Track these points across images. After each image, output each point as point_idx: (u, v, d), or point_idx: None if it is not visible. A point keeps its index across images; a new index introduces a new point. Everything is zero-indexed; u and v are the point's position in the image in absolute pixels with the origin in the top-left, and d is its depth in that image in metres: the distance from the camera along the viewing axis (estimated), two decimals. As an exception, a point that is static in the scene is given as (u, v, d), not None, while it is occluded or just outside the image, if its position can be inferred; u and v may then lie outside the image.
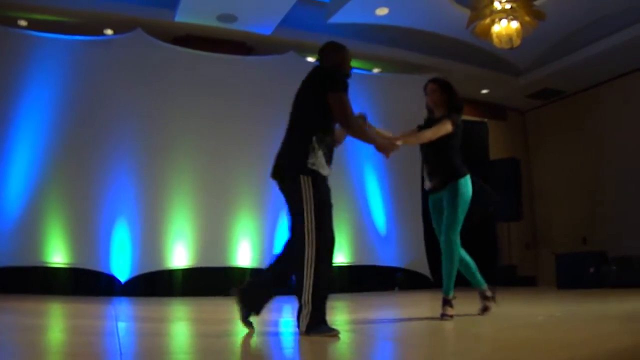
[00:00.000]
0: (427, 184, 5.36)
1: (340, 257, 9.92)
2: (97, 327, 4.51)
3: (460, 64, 11.09)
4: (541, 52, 10.86)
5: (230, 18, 9.04)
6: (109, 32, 9.47)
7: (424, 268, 10.58)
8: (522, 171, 12.29)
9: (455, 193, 5.11)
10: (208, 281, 8.99)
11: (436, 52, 10.72)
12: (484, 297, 5.44)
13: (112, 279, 8.57)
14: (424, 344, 3.97)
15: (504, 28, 7.87)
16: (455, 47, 10.48)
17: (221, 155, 9.29)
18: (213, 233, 9.17)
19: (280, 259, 4.09)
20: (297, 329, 3.85)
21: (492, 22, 7.92)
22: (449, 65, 10.99)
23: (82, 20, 9.16)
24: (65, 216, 8.58)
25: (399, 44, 10.35)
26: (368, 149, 10.22)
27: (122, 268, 8.58)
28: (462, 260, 5.35)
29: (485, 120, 12.81)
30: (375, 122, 10.20)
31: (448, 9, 9.35)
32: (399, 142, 4.69)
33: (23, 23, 9.15)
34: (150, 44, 9.10)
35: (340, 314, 6.40)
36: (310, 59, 10.32)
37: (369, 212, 10.44)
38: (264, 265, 3.97)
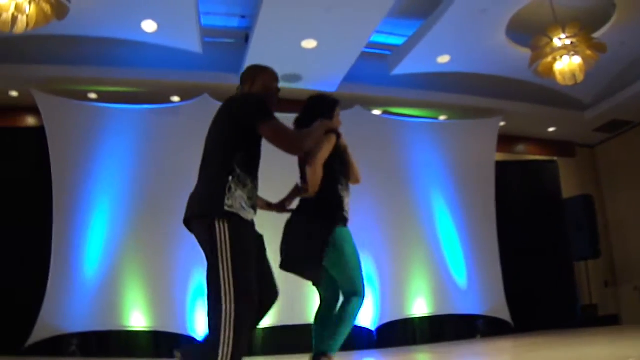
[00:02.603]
0: (346, 215, 4.26)
1: (420, 307, 9.82)
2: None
3: (525, 104, 10.99)
4: (605, 84, 10.72)
5: (295, 78, 9.16)
6: (176, 99, 9.70)
7: (504, 314, 10.36)
8: (596, 207, 12.05)
9: None
10: (290, 339, 8.93)
11: (500, 95, 10.65)
12: None
13: (191, 340, 8.60)
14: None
15: (567, 64, 7.81)
16: (519, 87, 10.43)
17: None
18: (294, 290, 9.04)
19: None
20: None
21: (554, 60, 7.88)
22: (514, 106, 10.91)
23: (149, 90, 9.42)
24: (142, 279, 8.76)
25: (463, 89, 10.35)
26: (440, 191, 10.30)
27: (201, 329, 8.61)
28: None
29: (555, 158, 12.62)
30: (447, 168, 10.27)
31: (508, 51, 9.34)
32: None
33: (93, 96, 9.47)
34: (217, 108, 9.20)
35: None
36: (377, 112, 10.38)
37: (445, 259, 10.28)
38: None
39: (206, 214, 3.27)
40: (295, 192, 4.05)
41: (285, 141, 3.43)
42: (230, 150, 3.39)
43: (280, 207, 4.09)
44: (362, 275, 4.19)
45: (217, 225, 3.20)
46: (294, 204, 4.20)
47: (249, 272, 3.21)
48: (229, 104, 3.61)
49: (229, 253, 3.16)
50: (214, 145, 3.51)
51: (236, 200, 3.27)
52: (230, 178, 3.30)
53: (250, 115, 3.42)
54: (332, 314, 4.22)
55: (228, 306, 3.07)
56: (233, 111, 3.53)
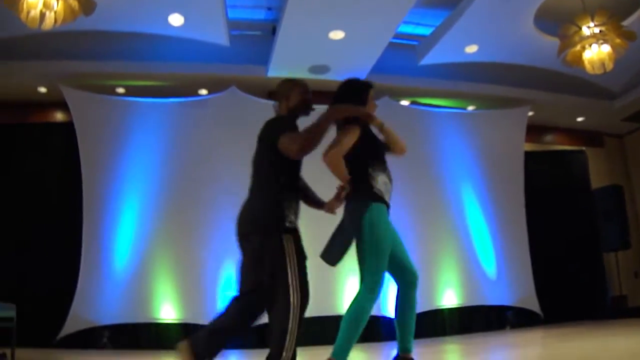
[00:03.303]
0: (380, 192, 4.08)
1: (449, 298, 9.80)
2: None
3: (554, 94, 10.89)
4: (634, 73, 10.58)
5: (323, 69, 9.16)
6: (203, 92, 9.73)
7: (533, 304, 10.31)
8: (625, 197, 11.94)
9: None
10: (316, 331, 8.90)
11: (528, 84, 10.56)
12: None
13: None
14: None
15: (596, 53, 7.72)
16: (547, 77, 10.33)
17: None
18: (323, 281, 9.02)
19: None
20: None
21: (583, 49, 7.79)
22: (542, 96, 10.82)
23: (177, 83, 9.49)
24: (172, 272, 8.85)
25: (491, 79, 10.27)
26: (468, 182, 10.22)
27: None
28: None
29: (583, 148, 12.52)
30: (475, 159, 10.24)
31: (537, 40, 9.26)
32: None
33: (121, 90, 9.54)
34: (245, 100, 9.26)
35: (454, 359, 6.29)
36: (405, 103, 10.34)
37: (474, 249, 10.24)
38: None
39: (275, 231, 3.66)
40: (339, 193, 4.00)
41: (290, 149, 3.64)
42: (276, 175, 3.75)
43: (329, 207, 4.05)
44: (376, 269, 3.89)
45: (284, 240, 3.64)
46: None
47: (306, 275, 3.72)
48: (261, 129, 3.87)
49: (296, 261, 3.63)
50: (261, 169, 3.84)
51: (293, 216, 3.74)
52: (285, 198, 3.71)
53: (272, 136, 3.70)
54: (407, 303, 4.05)
55: (296, 300, 3.59)
56: (263, 136, 3.82)
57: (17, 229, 8.96)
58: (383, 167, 4.12)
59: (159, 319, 8.69)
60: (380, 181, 4.04)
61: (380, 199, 4.01)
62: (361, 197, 3.96)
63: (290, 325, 3.55)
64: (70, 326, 8.30)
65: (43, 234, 8.93)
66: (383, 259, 3.88)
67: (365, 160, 4.03)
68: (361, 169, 4.00)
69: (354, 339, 3.81)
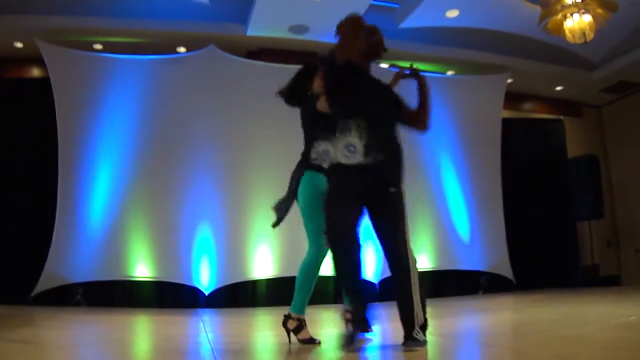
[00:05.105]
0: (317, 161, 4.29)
1: (423, 262, 9.79)
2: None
3: (534, 62, 10.91)
4: (614, 44, 10.58)
5: (302, 29, 9.07)
6: (182, 49, 9.65)
7: (506, 271, 10.43)
8: (600, 168, 12.02)
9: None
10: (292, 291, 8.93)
11: (508, 51, 10.56)
12: None
13: (195, 290, 8.68)
14: (525, 347, 3.86)
15: (577, 22, 7.71)
16: (527, 45, 10.30)
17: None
18: (296, 242, 9.05)
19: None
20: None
21: (564, 18, 7.77)
22: (521, 63, 10.84)
23: (155, 40, 9.38)
24: (147, 230, 8.81)
25: (470, 45, 10.24)
26: (445, 146, 10.22)
27: (205, 280, 8.70)
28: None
29: (561, 117, 12.58)
30: (453, 124, 10.24)
31: (518, 7, 9.21)
32: None
33: (98, 47, 9.42)
34: (224, 58, 9.18)
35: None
36: (384, 65, 10.30)
37: (449, 214, 10.29)
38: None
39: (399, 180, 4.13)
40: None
41: None
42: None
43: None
44: (317, 229, 4.17)
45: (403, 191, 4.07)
46: None
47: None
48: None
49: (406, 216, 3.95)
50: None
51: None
52: None
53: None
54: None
55: (413, 263, 3.87)
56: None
57: (-9, 185, 8.88)
58: (328, 136, 4.14)
59: (134, 277, 8.68)
60: (319, 149, 4.23)
61: (314, 167, 4.26)
62: (299, 165, 4.37)
63: (413, 290, 3.88)
64: (44, 283, 8.26)
65: (18, 190, 8.88)
66: (318, 220, 4.06)
67: (309, 132, 4.39)
68: (307, 140, 4.40)
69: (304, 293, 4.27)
